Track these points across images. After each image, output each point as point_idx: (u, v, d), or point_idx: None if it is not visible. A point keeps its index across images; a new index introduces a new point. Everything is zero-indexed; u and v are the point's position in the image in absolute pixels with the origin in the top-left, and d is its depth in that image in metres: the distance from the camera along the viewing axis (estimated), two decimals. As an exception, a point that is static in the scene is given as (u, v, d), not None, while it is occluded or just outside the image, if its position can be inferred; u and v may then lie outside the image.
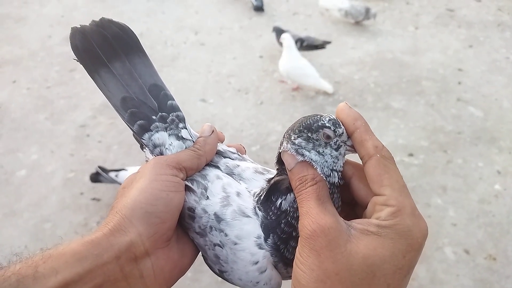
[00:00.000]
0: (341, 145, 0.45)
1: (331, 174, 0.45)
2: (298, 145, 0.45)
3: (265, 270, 0.46)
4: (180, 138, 0.53)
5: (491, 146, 2.33)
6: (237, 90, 2.85)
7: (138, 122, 0.52)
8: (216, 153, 0.55)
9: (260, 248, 0.46)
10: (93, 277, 0.40)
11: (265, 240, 0.46)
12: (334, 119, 0.45)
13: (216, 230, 0.47)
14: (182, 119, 0.55)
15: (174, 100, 0.55)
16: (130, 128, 0.53)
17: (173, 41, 3.43)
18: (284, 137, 0.47)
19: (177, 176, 0.48)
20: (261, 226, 0.46)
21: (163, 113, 0.53)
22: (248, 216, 0.47)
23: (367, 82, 2.89)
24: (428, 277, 1.70)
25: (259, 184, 0.51)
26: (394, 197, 0.38)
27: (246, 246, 0.46)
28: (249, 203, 0.48)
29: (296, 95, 2.77)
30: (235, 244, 0.46)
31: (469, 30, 3.56)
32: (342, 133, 0.44)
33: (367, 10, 3.49)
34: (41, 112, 2.66)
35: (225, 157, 0.56)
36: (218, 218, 0.47)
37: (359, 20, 3.57)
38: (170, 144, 0.53)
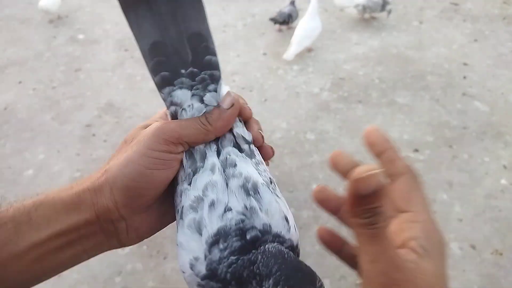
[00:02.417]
0: None
1: None
2: None
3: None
4: (203, 101, 0.46)
5: (497, 141, 2.32)
6: (241, 87, 2.85)
7: (162, 73, 0.45)
8: (229, 131, 0.47)
9: (191, 269, 0.40)
10: (78, 229, 0.43)
11: (200, 275, 0.40)
12: None
13: (178, 218, 0.44)
14: (215, 79, 0.47)
15: (215, 55, 0.47)
16: (152, 77, 0.47)
17: (177, 39, 3.44)
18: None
19: (172, 152, 0.44)
20: (205, 259, 0.40)
21: (195, 69, 0.46)
22: (200, 235, 0.41)
23: (371, 77, 2.89)
24: (435, 272, 1.70)
25: (236, 205, 0.41)
26: (423, 213, 0.39)
27: (183, 257, 0.41)
28: (213, 224, 0.40)
29: (301, 92, 2.77)
30: (178, 246, 0.42)
31: (474, 24, 3.53)
32: None
33: (385, 2, 3.46)
34: (47, 112, 2.69)
35: (234, 145, 0.46)
36: (181, 215, 0.43)
37: (375, 15, 3.56)
38: (189, 106, 0.45)
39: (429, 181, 2.09)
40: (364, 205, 0.34)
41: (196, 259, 0.40)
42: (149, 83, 2.91)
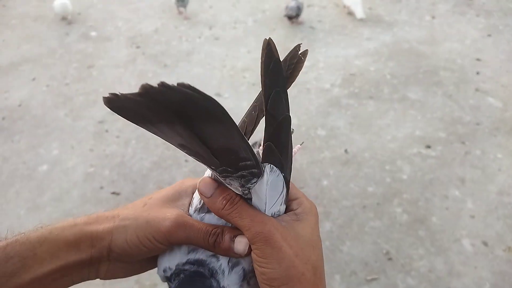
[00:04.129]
0: None
1: None
2: None
3: None
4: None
5: (510, 137, 2.29)
6: (251, 84, 2.86)
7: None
8: None
9: (163, 271, 0.51)
10: (75, 265, 0.49)
11: (170, 277, 0.50)
12: None
13: None
14: (256, 176, 0.44)
15: (251, 160, 0.43)
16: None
17: (188, 36, 3.45)
18: None
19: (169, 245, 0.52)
20: (174, 270, 0.50)
21: (229, 169, 0.43)
22: (187, 254, 0.51)
23: (383, 73, 2.87)
24: (446, 269, 1.69)
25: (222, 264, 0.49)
26: (293, 193, 0.50)
27: (164, 260, 0.52)
28: (200, 255, 0.50)
29: (311, 88, 2.76)
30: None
31: (488, 18, 3.48)
32: None
33: None
34: (61, 108, 2.72)
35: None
36: None
37: None
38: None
39: (441, 177, 2.08)
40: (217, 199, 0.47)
41: (170, 269, 0.49)
42: (160, 80, 2.93)
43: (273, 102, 0.47)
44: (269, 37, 0.46)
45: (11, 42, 3.49)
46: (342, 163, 2.17)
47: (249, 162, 0.44)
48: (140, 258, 0.51)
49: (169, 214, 0.49)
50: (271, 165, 0.47)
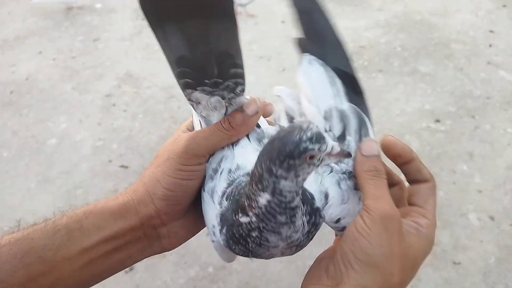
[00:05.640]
0: (324, 159, 0.41)
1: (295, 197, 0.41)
2: (280, 176, 0.39)
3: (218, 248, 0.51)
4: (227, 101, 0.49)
5: (522, 111, 2.25)
6: (259, 57, 2.82)
7: (186, 80, 0.47)
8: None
9: (214, 235, 0.49)
10: (125, 235, 0.48)
11: (220, 231, 0.48)
12: (317, 133, 0.39)
13: (202, 191, 0.51)
14: (239, 84, 0.49)
15: (242, 68, 0.48)
16: (177, 80, 0.49)
17: (194, 7, 3.39)
18: (262, 168, 0.40)
19: (201, 163, 0.51)
20: (218, 224, 0.48)
21: (219, 80, 0.47)
22: (213, 202, 0.49)
23: (393, 45, 2.81)
24: (451, 243, 1.71)
25: (244, 163, 0.50)
26: (432, 214, 0.48)
27: (207, 224, 0.50)
28: (221, 186, 0.49)
29: (319, 61, 2.72)
30: (203, 213, 0.51)
31: (504, -12, 3.36)
32: (326, 148, 0.39)
33: None
34: (68, 82, 2.72)
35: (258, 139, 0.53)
36: (203, 186, 0.50)
37: None
38: (206, 102, 0.49)
39: (449, 152, 2.06)
40: (369, 163, 0.47)
41: (214, 226, 0.48)
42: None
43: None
44: None
45: (16, 14, 3.46)
46: (350, 137, 2.16)
47: (239, 70, 0.47)
48: (187, 197, 0.50)
49: (178, 141, 0.51)
50: (305, 54, 0.54)
